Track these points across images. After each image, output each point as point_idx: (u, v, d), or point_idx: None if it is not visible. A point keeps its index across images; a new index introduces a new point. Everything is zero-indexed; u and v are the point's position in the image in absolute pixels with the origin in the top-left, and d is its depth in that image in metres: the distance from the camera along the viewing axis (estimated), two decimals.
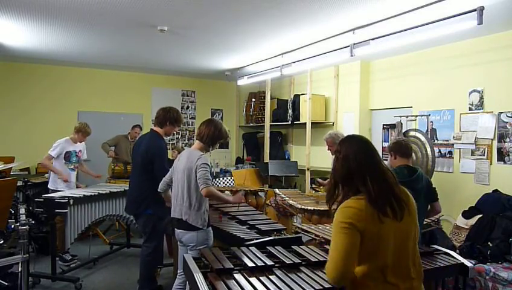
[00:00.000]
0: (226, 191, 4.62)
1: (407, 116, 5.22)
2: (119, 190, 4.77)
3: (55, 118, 7.13)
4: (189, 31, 4.69)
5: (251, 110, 8.28)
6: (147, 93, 8.00)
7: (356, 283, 1.71)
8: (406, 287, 1.70)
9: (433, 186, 3.76)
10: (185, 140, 8.44)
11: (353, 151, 1.78)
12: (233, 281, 2.06)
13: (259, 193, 5.16)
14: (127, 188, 4.56)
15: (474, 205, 4.32)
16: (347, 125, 6.35)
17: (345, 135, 4.55)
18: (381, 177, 1.73)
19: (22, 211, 3.20)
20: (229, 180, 6.27)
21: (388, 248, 1.67)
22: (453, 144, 4.90)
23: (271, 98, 7.60)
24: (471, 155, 4.69)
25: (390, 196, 1.70)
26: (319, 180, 4.89)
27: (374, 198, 1.67)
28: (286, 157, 7.84)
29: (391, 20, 3.95)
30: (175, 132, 8.07)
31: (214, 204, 3.69)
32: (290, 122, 7.18)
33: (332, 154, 4.49)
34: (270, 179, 6.79)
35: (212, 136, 3.08)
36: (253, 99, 8.24)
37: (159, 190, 3.29)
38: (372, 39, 4.28)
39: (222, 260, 2.29)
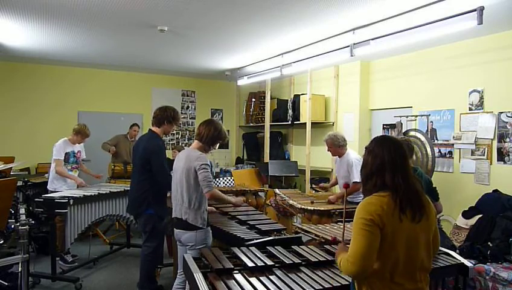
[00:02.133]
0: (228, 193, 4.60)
1: (407, 116, 5.22)
2: (119, 190, 4.78)
3: (56, 118, 7.13)
4: (189, 31, 4.69)
5: (251, 110, 8.28)
6: (147, 93, 8.01)
7: (364, 280, 1.73)
8: (411, 289, 1.72)
9: (434, 186, 3.77)
10: (185, 140, 8.44)
11: (388, 147, 1.81)
12: (233, 281, 2.07)
13: (259, 193, 5.16)
14: (127, 188, 4.57)
15: (474, 205, 4.32)
16: (347, 125, 6.35)
17: (345, 135, 4.58)
18: (410, 179, 1.77)
19: (22, 211, 3.20)
20: (229, 180, 6.27)
21: (401, 248, 1.69)
22: (453, 144, 4.90)
23: (271, 98, 7.60)
24: (471, 155, 4.69)
25: (414, 197, 1.74)
26: (322, 184, 4.90)
27: (399, 194, 1.70)
28: (286, 157, 7.84)
29: (391, 20, 3.95)
30: (175, 132, 8.12)
31: (213, 204, 3.69)
32: (290, 122, 7.18)
33: (332, 156, 4.55)
34: (270, 179, 6.79)
35: (212, 136, 3.08)
36: (253, 99, 8.24)
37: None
38: (372, 39, 4.28)
39: (222, 260, 2.29)
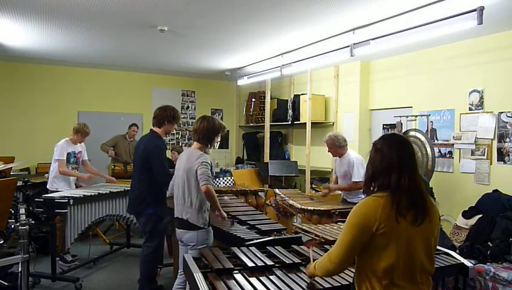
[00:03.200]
0: (225, 197, 4.59)
1: (407, 116, 5.22)
2: (119, 190, 4.77)
3: (55, 118, 7.14)
4: (189, 31, 4.69)
5: (251, 110, 8.28)
6: (147, 93, 8.01)
7: (364, 282, 1.72)
8: None
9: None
10: (185, 140, 8.44)
11: (397, 147, 1.78)
12: (233, 281, 2.07)
13: (259, 193, 5.16)
14: (127, 188, 4.57)
15: (474, 205, 4.32)
16: (347, 125, 6.35)
17: (345, 135, 4.58)
18: (416, 179, 1.74)
19: (22, 211, 3.20)
20: (229, 180, 6.27)
21: (398, 250, 1.67)
22: (453, 144, 4.90)
23: (271, 98, 7.60)
24: (471, 155, 4.69)
25: (419, 199, 1.71)
26: (329, 185, 4.92)
27: (400, 195, 1.68)
28: (286, 157, 7.84)
29: (391, 20, 3.95)
30: (175, 132, 8.12)
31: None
32: (290, 122, 7.18)
33: (333, 156, 4.54)
34: (270, 179, 6.79)
35: (207, 130, 3.04)
36: (253, 99, 8.24)
37: (168, 193, 3.29)
38: (372, 39, 4.28)
39: (222, 260, 2.29)
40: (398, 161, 1.73)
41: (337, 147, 4.34)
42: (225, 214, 3.22)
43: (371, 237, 1.66)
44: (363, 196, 1.83)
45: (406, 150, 1.78)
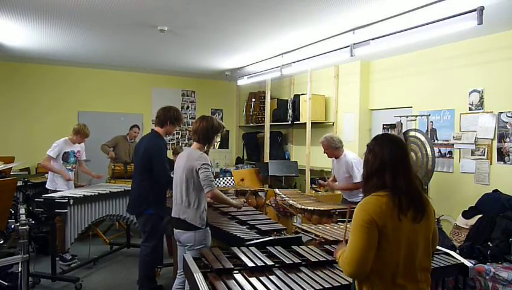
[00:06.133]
0: (230, 191, 4.61)
1: (407, 116, 5.22)
2: (119, 190, 4.77)
3: (55, 118, 7.13)
4: (189, 31, 4.69)
5: (251, 110, 8.28)
6: (147, 93, 8.01)
7: (365, 282, 1.72)
8: (413, 289, 1.71)
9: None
10: (184, 140, 8.44)
11: (389, 147, 1.78)
12: (233, 281, 2.06)
13: (259, 193, 5.16)
14: (127, 188, 4.57)
15: (474, 205, 4.32)
16: (347, 125, 6.35)
17: (345, 135, 4.58)
18: (411, 178, 1.74)
19: (22, 211, 3.21)
20: (229, 180, 6.26)
21: (400, 248, 1.67)
22: (453, 144, 4.90)
23: (271, 98, 7.60)
24: (471, 155, 4.69)
25: (416, 198, 1.72)
26: (320, 181, 4.88)
27: (400, 194, 1.68)
28: (286, 157, 7.84)
29: (391, 20, 3.95)
30: (175, 132, 8.11)
31: (214, 204, 3.69)
32: (290, 122, 7.19)
33: (328, 157, 4.54)
34: (270, 179, 6.78)
35: (206, 131, 3.05)
36: (253, 99, 8.24)
37: (169, 192, 3.31)
38: (372, 39, 4.28)
39: (222, 260, 2.29)
40: (391, 160, 1.74)
41: (333, 148, 4.33)
42: (240, 202, 3.39)
43: (379, 233, 1.65)
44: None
45: (397, 148, 1.79)
